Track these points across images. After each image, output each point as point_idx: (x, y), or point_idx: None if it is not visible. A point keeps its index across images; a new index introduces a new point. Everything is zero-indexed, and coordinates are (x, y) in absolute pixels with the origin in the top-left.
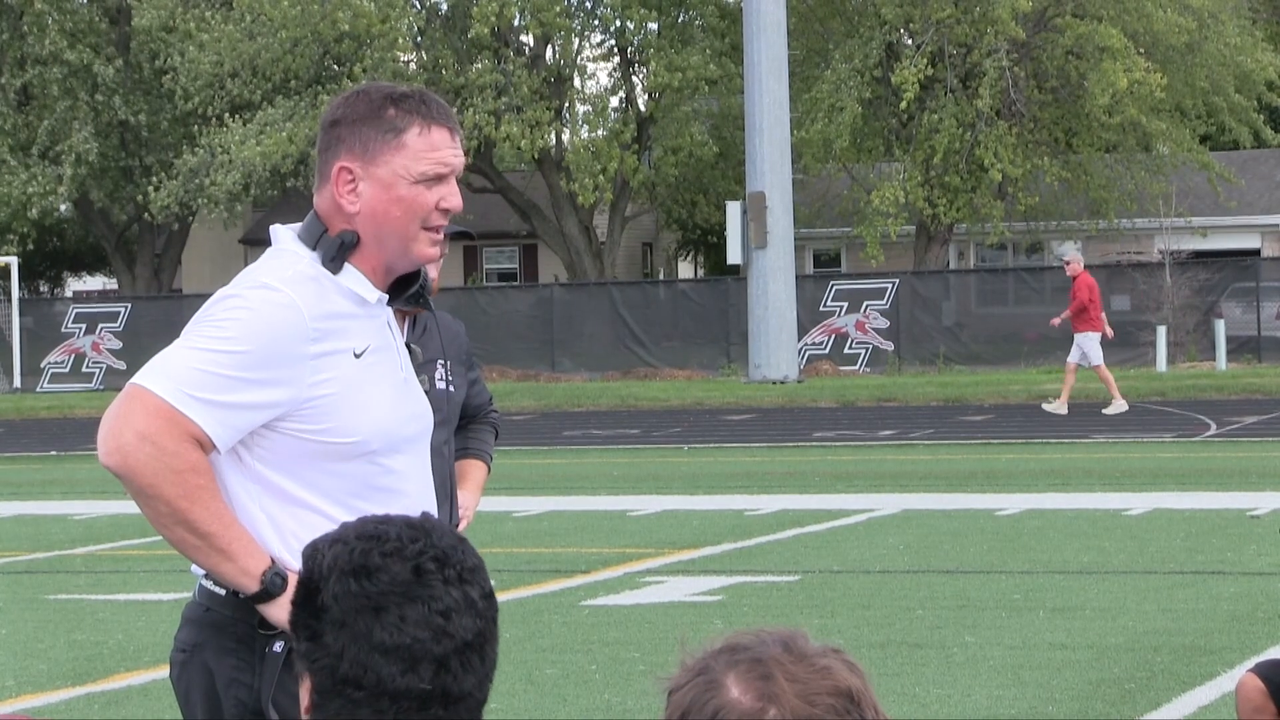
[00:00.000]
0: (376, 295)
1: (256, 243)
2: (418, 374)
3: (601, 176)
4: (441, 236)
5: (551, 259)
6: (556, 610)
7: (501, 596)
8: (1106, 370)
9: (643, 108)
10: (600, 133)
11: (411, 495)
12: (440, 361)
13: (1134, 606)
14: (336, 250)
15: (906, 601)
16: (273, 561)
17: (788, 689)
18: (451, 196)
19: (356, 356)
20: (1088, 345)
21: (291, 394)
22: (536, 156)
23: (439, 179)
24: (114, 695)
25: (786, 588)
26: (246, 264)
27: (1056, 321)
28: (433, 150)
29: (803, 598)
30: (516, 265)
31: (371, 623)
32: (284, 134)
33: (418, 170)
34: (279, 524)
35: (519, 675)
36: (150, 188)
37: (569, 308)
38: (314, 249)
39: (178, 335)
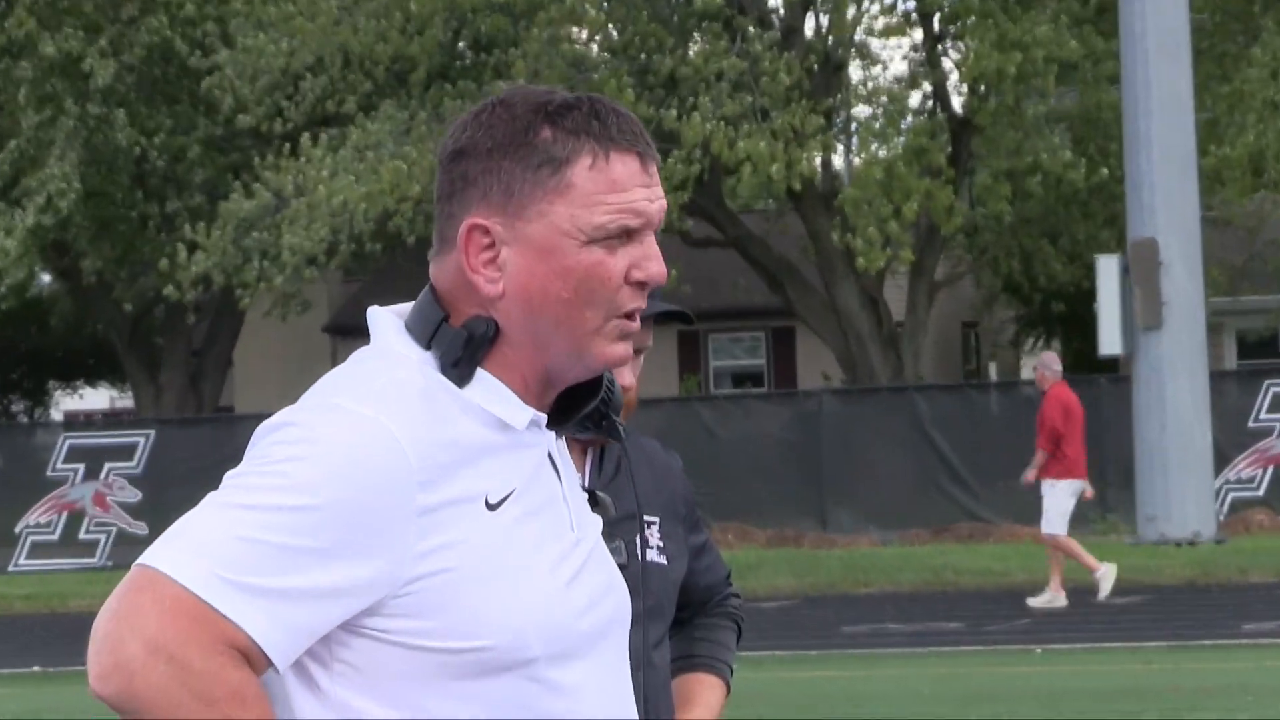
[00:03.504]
0: (528, 417)
1: (351, 332)
2: (607, 537)
3: (894, 224)
4: (636, 325)
5: (817, 350)
6: None
7: None
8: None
9: (958, 108)
10: (894, 150)
11: None
12: (644, 519)
13: None
14: (463, 349)
15: None
16: None
17: None
18: (648, 262)
19: (490, 508)
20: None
21: (384, 571)
22: (796, 189)
23: (629, 235)
24: None
25: None
26: (334, 365)
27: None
28: (616, 190)
29: None
30: (763, 361)
31: None
32: (397, 163)
33: (594, 223)
34: None
35: None
36: (169, 256)
37: (847, 427)
38: (428, 347)
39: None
